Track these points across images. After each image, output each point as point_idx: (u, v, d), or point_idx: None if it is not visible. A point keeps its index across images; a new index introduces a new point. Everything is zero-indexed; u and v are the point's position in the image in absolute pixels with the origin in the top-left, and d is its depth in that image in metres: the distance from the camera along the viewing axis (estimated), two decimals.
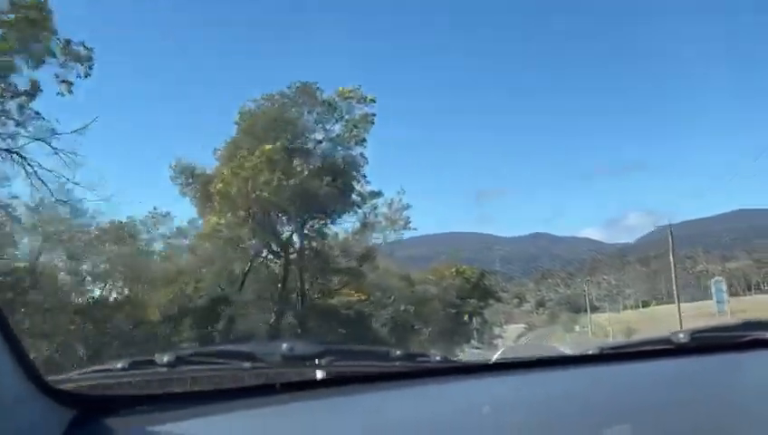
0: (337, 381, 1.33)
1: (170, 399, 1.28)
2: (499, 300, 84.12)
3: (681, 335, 1.39)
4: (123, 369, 1.32)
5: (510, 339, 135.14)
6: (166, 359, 1.29)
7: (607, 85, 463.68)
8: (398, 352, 1.38)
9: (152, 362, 1.30)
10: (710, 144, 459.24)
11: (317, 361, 1.31)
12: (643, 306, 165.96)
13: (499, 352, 54.91)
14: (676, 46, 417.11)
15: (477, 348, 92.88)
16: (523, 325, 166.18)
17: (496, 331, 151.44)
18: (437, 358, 1.43)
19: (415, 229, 31.43)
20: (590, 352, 1.46)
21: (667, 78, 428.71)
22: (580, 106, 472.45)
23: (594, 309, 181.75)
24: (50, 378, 1.22)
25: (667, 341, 1.41)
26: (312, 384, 1.34)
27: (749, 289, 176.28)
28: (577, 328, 75.01)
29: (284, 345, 1.32)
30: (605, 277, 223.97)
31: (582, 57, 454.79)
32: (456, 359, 1.44)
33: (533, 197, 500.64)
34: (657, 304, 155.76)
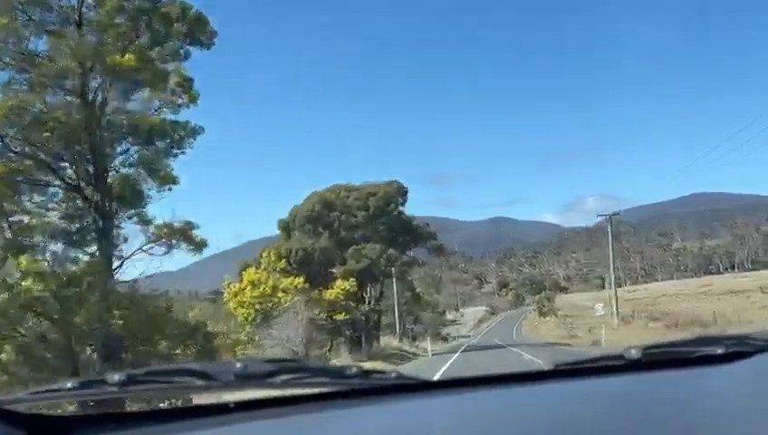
0: (291, 400, 1.32)
1: (123, 418, 1.26)
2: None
3: (633, 351, 1.39)
4: (74, 388, 1.28)
5: (467, 325, 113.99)
6: (117, 378, 1.25)
7: (562, 70, 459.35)
8: (354, 370, 1.38)
9: (104, 382, 1.26)
10: (666, 130, 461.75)
11: (272, 379, 1.29)
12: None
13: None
14: (632, 31, 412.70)
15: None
16: (484, 308, 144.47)
17: (451, 316, 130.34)
18: (393, 375, 1.42)
19: None
20: (542, 369, 1.47)
21: (623, 62, 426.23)
22: (536, 91, 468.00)
23: (563, 289, 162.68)
24: None
25: (619, 357, 1.41)
26: (267, 403, 1.32)
27: (732, 268, 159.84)
28: (600, 307, 52.51)
29: (238, 364, 1.31)
30: (573, 255, 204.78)
31: (539, 42, 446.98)
32: (412, 377, 1.43)
33: (493, 182, 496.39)
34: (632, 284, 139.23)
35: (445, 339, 76.54)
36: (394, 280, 49.50)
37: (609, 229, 48.81)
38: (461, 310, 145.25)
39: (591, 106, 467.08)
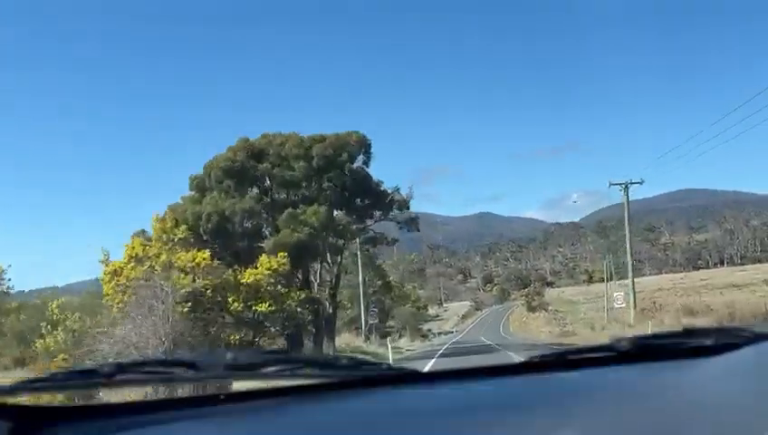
0: (282, 391, 1.32)
1: (112, 409, 1.24)
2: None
3: (624, 343, 1.41)
4: (63, 379, 1.27)
5: (451, 320, 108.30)
6: (107, 368, 1.24)
7: (543, 67, 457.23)
8: (344, 361, 1.40)
9: (93, 372, 1.25)
10: (650, 126, 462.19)
11: (262, 370, 1.29)
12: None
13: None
14: (615, 25, 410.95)
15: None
16: (468, 302, 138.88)
17: (433, 311, 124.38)
18: (384, 366, 1.45)
19: None
20: (535, 360, 1.48)
21: (605, 59, 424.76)
22: (518, 86, 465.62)
23: (549, 284, 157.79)
24: None
25: (609, 348, 1.42)
26: (257, 394, 1.31)
27: (722, 263, 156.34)
28: (621, 296, 47.34)
29: (228, 355, 1.30)
30: (560, 250, 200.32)
31: (523, 36, 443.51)
32: (404, 367, 1.44)
33: (477, 178, 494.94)
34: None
35: (425, 336, 69.20)
36: (359, 262, 41.33)
37: (626, 200, 41.99)
38: (444, 305, 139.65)
39: (576, 102, 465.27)
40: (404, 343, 43.24)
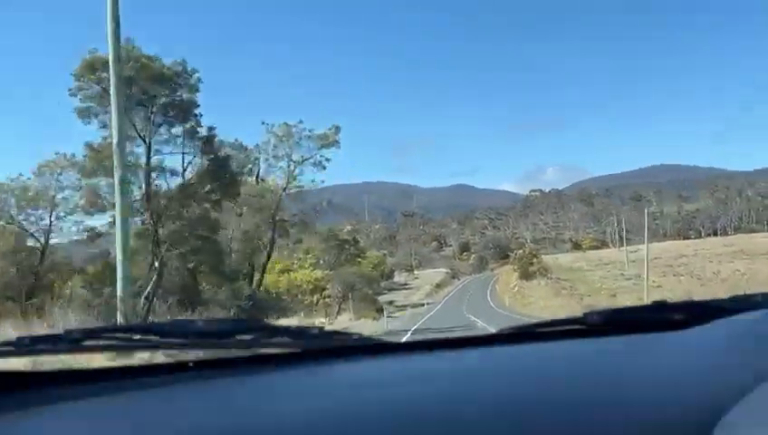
0: (252, 360, 1.30)
1: (77, 375, 1.20)
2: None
3: (595, 316, 1.42)
4: (27, 344, 1.23)
5: (423, 289, 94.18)
6: (74, 334, 1.23)
7: (523, 41, 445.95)
8: (315, 330, 1.39)
9: (59, 338, 1.23)
10: (627, 102, 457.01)
11: (231, 338, 1.28)
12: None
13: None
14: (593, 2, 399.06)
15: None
16: (444, 270, 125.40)
17: (401, 278, 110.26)
18: (355, 336, 1.43)
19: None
20: (502, 332, 1.48)
21: (585, 36, 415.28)
22: (498, 62, 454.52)
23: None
24: None
25: (580, 321, 1.44)
26: (227, 363, 1.29)
27: (715, 233, 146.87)
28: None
29: (199, 322, 1.31)
30: (542, 217, 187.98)
31: (502, 12, 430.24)
32: (374, 337, 1.44)
33: (454, 150, 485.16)
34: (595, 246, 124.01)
35: (380, 311, 48.49)
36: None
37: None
38: (416, 272, 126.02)
39: (552, 77, 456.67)
40: (337, 324, 29.21)
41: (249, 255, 37.55)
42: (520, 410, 0.86)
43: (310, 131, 38.11)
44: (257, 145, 39.31)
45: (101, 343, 1.24)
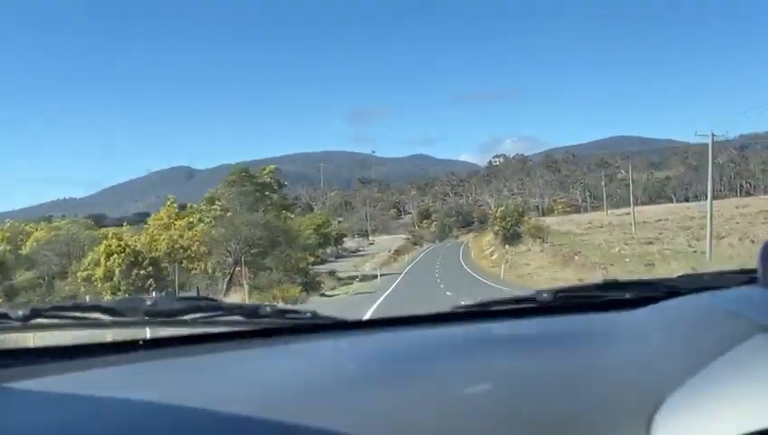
0: (204, 338, 1.29)
1: (25, 354, 1.18)
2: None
3: (545, 295, 1.44)
4: None
5: (378, 257, 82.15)
6: (21, 312, 1.21)
7: (482, 11, 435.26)
8: (269, 309, 1.38)
9: (6, 316, 1.22)
10: (583, 74, 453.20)
11: (183, 317, 1.28)
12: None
13: None
14: None
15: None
16: (403, 236, 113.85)
17: (353, 244, 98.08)
18: (308, 314, 1.42)
19: None
20: (457, 310, 1.48)
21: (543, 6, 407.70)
22: (455, 30, 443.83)
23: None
24: None
25: (531, 299, 1.45)
26: (178, 341, 1.28)
27: (686, 200, 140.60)
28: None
29: (148, 301, 1.31)
30: (506, 184, 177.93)
31: None
32: (327, 316, 1.41)
33: (412, 120, 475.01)
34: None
35: (310, 287, 36.25)
36: None
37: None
38: (371, 238, 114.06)
39: (508, 48, 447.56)
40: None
41: None
42: (466, 389, 0.86)
43: None
44: None
45: (49, 321, 1.21)
